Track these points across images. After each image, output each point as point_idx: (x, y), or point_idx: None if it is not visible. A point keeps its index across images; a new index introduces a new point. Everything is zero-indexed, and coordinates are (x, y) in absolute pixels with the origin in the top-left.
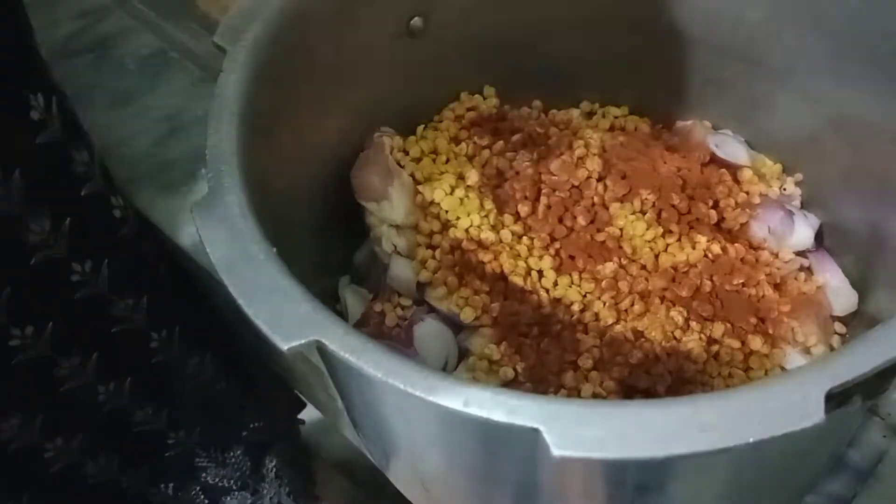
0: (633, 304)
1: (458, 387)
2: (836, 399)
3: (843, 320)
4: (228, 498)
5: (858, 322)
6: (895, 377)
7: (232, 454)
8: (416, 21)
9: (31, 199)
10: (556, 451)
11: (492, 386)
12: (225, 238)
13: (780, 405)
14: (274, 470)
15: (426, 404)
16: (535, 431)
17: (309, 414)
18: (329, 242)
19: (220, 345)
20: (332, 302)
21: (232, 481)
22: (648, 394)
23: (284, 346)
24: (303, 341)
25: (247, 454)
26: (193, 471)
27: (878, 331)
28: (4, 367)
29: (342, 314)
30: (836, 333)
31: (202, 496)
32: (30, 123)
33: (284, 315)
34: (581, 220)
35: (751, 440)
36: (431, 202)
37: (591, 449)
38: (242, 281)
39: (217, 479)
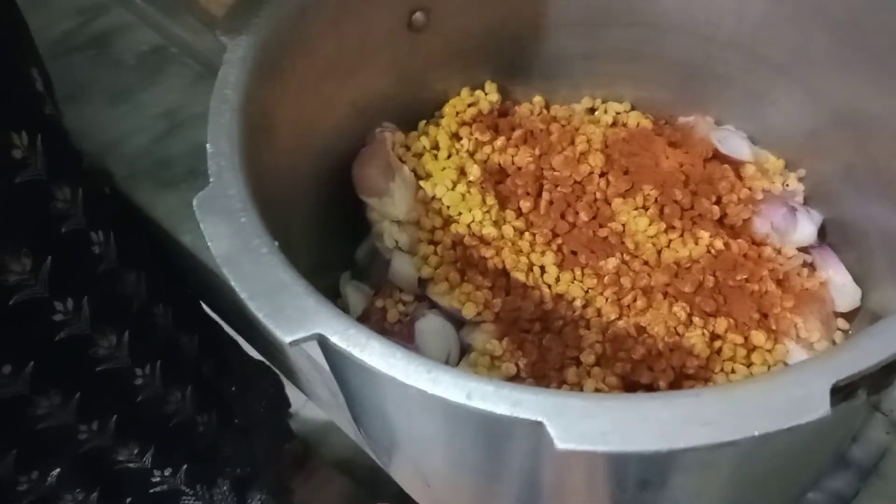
0: (635, 300)
1: (462, 380)
2: (841, 393)
3: (845, 317)
4: None
5: (861, 319)
6: None
7: (218, 490)
8: (418, 16)
9: (8, 239)
10: (559, 445)
11: (495, 379)
12: (227, 232)
13: (785, 398)
14: (260, 502)
15: (429, 398)
16: (539, 425)
17: (308, 414)
18: (330, 238)
19: (199, 378)
20: (333, 298)
21: None
22: (650, 390)
23: (287, 340)
24: (305, 335)
25: (232, 489)
26: None
27: (884, 324)
28: None
29: (343, 310)
30: (838, 330)
31: None
32: (10, 163)
33: (287, 309)
34: (583, 216)
35: (755, 434)
36: (433, 198)
37: (594, 442)
38: (245, 275)
39: None
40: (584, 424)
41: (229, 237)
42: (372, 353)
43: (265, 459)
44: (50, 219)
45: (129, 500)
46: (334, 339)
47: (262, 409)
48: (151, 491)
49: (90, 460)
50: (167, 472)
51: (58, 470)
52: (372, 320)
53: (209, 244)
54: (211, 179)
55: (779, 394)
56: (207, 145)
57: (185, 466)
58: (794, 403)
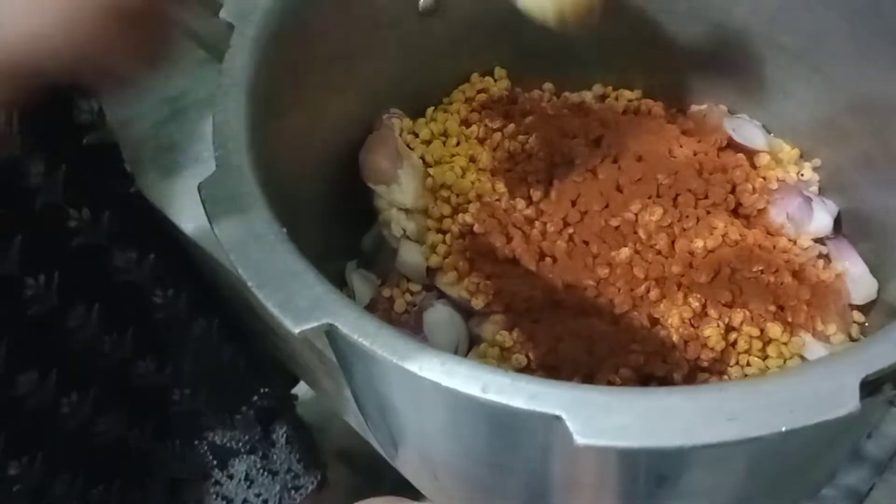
0: (648, 291)
1: (477, 372)
2: (868, 387)
3: (861, 309)
4: (237, 460)
5: (877, 311)
6: None
7: (241, 417)
8: (428, 0)
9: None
10: (579, 440)
11: (510, 371)
12: (233, 217)
13: (812, 393)
14: (284, 437)
15: (442, 390)
16: (557, 419)
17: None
18: (336, 225)
19: (229, 313)
20: (339, 287)
21: (240, 444)
22: (664, 382)
23: (296, 329)
24: (315, 324)
25: (257, 419)
26: (200, 430)
27: None
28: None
29: (350, 298)
30: (854, 323)
31: (209, 456)
32: None
33: (295, 297)
34: (595, 205)
35: (783, 429)
36: (442, 185)
37: (615, 437)
38: (252, 262)
39: (225, 441)
40: (604, 419)
41: (236, 223)
42: (383, 343)
43: (286, 393)
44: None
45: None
46: (345, 329)
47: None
48: (172, 411)
49: (117, 377)
50: (187, 393)
51: (92, 390)
52: (379, 310)
53: (214, 230)
54: (217, 164)
55: (806, 388)
56: (213, 130)
57: (204, 391)
58: (822, 398)
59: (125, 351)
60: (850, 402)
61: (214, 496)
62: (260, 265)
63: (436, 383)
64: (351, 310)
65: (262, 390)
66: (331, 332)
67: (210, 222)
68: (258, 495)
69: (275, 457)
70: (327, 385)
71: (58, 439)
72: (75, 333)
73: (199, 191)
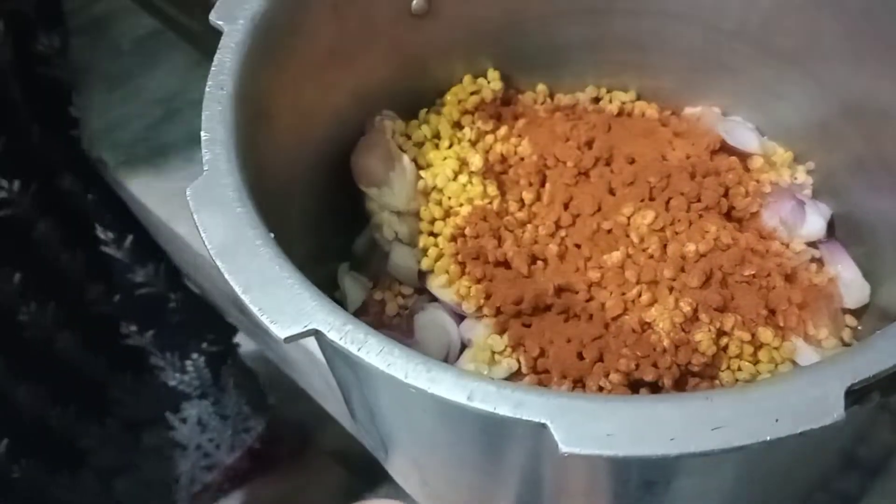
0: (640, 295)
1: (463, 379)
2: (854, 395)
3: (854, 313)
4: (188, 404)
5: (870, 315)
6: None
7: (191, 362)
8: (420, 1)
9: None
10: (563, 448)
11: (497, 379)
12: (221, 223)
13: (797, 401)
14: (232, 381)
15: (428, 397)
16: (543, 426)
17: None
18: (328, 228)
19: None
20: (331, 289)
21: (192, 388)
22: (655, 388)
23: (283, 336)
24: (301, 330)
25: (207, 365)
26: (151, 369)
27: None
28: None
29: (341, 302)
30: (847, 327)
31: (162, 394)
32: None
33: (282, 303)
34: (587, 208)
35: (768, 438)
36: (434, 188)
37: (600, 446)
38: (239, 268)
39: (176, 383)
40: (589, 426)
41: (224, 228)
42: (370, 350)
43: (230, 340)
44: None
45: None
46: (331, 335)
47: None
48: (123, 344)
49: (73, 297)
50: (132, 328)
51: (52, 303)
52: (370, 313)
53: (202, 235)
54: (205, 168)
55: (792, 396)
56: (202, 133)
57: (151, 331)
58: (807, 407)
59: (79, 273)
60: (835, 411)
61: (169, 443)
62: (247, 271)
63: (422, 390)
64: (338, 315)
65: (209, 336)
66: (320, 338)
67: (197, 227)
68: (211, 440)
69: (225, 401)
70: (319, 386)
71: (20, 347)
72: (40, 245)
73: (187, 195)
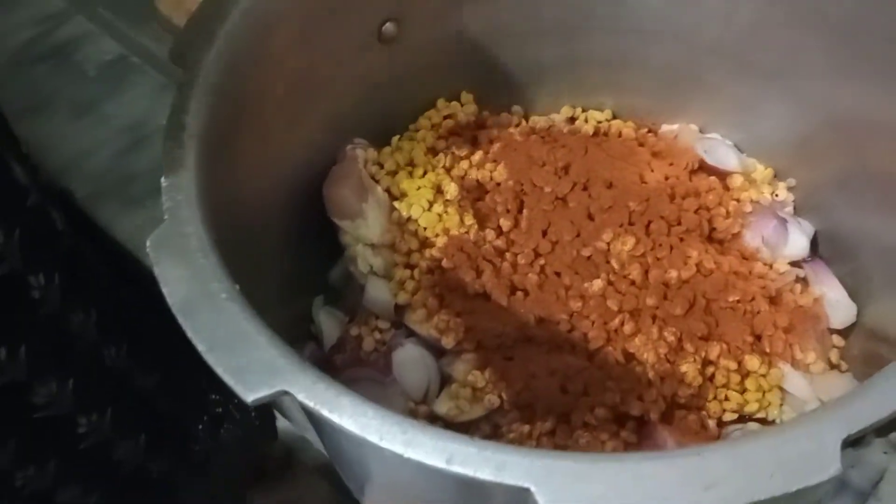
0: (622, 324)
1: (441, 441)
2: (851, 442)
3: (840, 333)
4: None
5: (857, 335)
6: None
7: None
8: (389, 27)
9: None
10: None
11: (478, 440)
12: (183, 276)
13: (793, 455)
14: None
15: (405, 460)
16: (526, 491)
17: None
18: (302, 261)
19: (153, 426)
20: (306, 323)
21: None
22: (641, 421)
23: (249, 398)
24: (268, 392)
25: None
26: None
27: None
28: None
29: (317, 336)
30: (834, 347)
31: None
32: None
33: (248, 363)
34: (566, 234)
35: (762, 497)
36: (409, 219)
37: None
38: (202, 325)
39: None
40: (576, 489)
41: (186, 282)
42: (342, 412)
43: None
44: None
45: None
46: (300, 396)
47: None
48: None
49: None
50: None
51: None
52: (347, 350)
53: (163, 290)
54: (165, 217)
55: (787, 450)
56: (162, 179)
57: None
58: (803, 461)
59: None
60: (832, 465)
61: None
62: (210, 327)
63: (397, 455)
64: (307, 375)
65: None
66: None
67: (158, 280)
68: None
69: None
70: (298, 417)
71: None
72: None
73: (147, 246)
